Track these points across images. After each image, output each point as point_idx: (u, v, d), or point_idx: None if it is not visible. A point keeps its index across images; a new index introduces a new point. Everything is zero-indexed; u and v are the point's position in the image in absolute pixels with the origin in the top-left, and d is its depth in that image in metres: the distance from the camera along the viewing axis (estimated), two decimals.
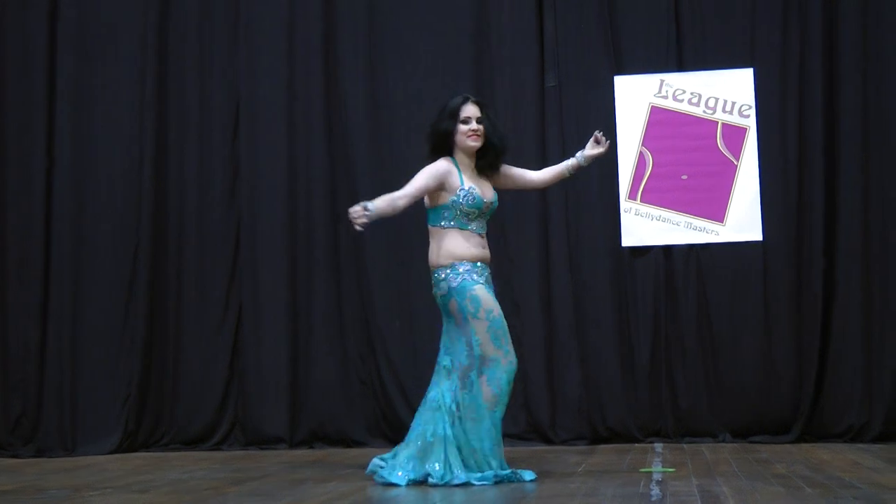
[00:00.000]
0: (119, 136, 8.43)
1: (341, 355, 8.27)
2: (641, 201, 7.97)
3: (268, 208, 8.38)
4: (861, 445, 7.55)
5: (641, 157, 8.00)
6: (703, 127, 7.98)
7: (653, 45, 8.11)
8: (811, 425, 7.84)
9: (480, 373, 5.91)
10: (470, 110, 6.07)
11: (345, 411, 8.20)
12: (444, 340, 6.09)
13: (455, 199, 6.00)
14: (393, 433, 8.09)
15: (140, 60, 8.44)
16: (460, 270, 5.97)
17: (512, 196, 7.97)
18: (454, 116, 6.07)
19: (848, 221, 7.89)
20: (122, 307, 8.28)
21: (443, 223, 6.04)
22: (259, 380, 8.27)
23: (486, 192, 6.09)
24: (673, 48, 8.07)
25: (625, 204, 7.93)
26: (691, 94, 7.99)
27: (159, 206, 8.39)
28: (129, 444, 8.15)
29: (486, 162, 6.15)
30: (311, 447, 8.17)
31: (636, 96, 8.02)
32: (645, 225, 7.95)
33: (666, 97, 8.01)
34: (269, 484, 6.04)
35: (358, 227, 5.77)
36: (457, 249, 5.99)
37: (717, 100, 7.97)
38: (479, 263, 6.03)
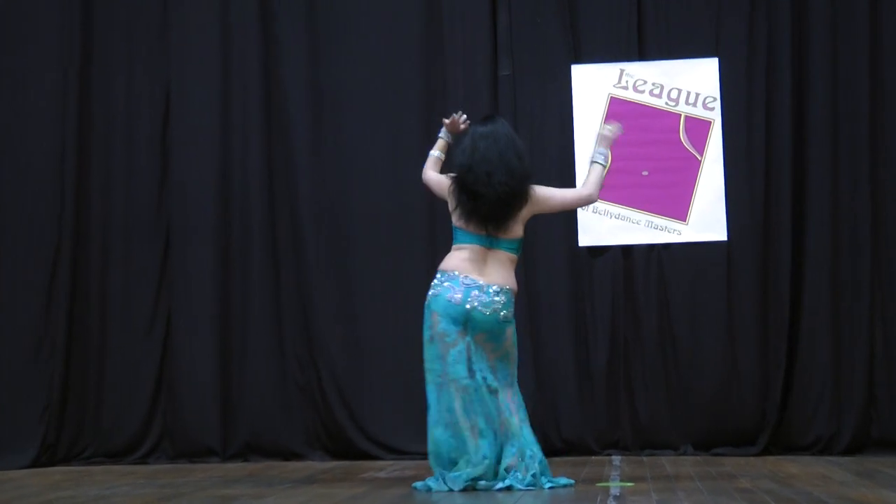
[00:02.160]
0: (39, 127, 8.35)
1: (279, 362, 8.24)
2: (599, 198, 7.77)
3: (200, 205, 8.33)
4: (830, 458, 7.60)
5: None
6: (665, 120, 8.03)
7: (613, 33, 8.13)
8: (778, 436, 7.89)
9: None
10: None
11: (282, 421, 8.17)
12: (485, 361, 6.25)
13: None
14: (333, 444, 8.14)
15: (63, 44, 8.36)
16: None
17: None
18: None
19: (817, 220, 7.94)
20: (40, 311, 8.21)
21: (521, 252, 6.43)
22: (190, 388, 8.24)
23: None
24: (634, 36, 8.09)
25: None
26: (653, 84, 8.04)
27: (82, 202, 8.33)
28: (47, 458, 8.08)
29: None
30: (246, 460, 8.15)
31: (594, 86, 8.05)
32: (603, 223, 7.97)
33: (626, 88, 8.05)
34: (199, 500, 5.99)
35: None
36: None
37: (679, 91, 8.02)
38: None
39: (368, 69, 8.29)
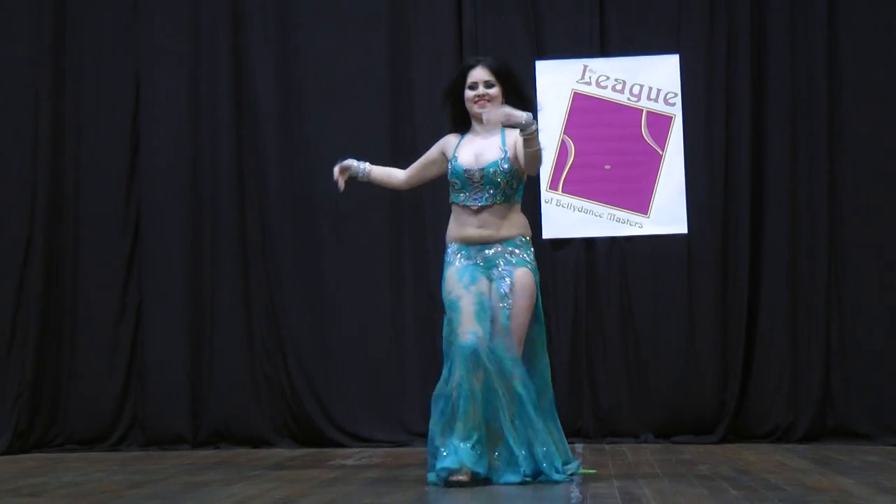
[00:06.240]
0: (12, 123, 8.37)
1: (247, 350, 8.29)
2: (563, 192, 8.04)
3: (169, 193, 8.37)
4: (787, 446, 7.70)
5: (563, 146, 8.06)
6: (628, 115, 8.05)
7: (576, 29, 8.19)
8: (736, 425, 7.98)
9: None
10: (477, 74, 6.03)
11: (251, 409, 8.22)
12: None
13: (447, 171, 6.12)
14: (301, 432, 8.18)
15: (33, 36, 8.38)
16: (448, 252, 6.08)
17: (429, 185, 8.07)
18: (461, 82, 6.09)
19: (775, 214, 8.03)
20: (12, 300, 8.20)
21: (450, 199, 6.13)
22: (160, 376, 8.28)
23: (471, 158, 6.00)
24: (597, 32, 8.16)
25: (545, 194, 8.01)
26: (615, 80, 8.07)
27: (54, 193, 8.34)
28: (20, 445, 8.09)
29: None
30: (216, 447, 8.20)
31: (558, 82, 8.08)
32: (566, 216, 8.03)
33: (589, 83, 8.09)
34: (170, 487, 6.00)
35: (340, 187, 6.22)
36: (449, 230, 6.10)
37: (641, 87, 8.06)
38: (465, 246, 6.00)
39: (335, 67, 8.32)
